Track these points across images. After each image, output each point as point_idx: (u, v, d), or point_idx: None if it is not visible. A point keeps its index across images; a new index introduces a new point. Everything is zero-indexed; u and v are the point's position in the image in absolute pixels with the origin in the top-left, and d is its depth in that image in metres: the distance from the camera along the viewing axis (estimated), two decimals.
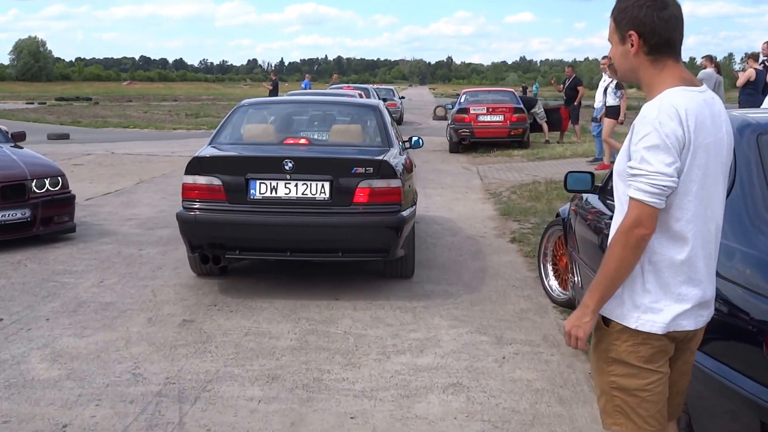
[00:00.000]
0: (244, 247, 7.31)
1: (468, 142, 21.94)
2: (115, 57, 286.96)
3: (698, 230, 2.86)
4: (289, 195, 7.15)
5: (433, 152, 21.91)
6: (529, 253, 9.20)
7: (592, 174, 6.17)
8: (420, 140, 10.35)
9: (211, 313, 6.87)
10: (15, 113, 42.88)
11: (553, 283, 7.41)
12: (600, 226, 5.61)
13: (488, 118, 21.77)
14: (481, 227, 11.00)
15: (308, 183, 7.14)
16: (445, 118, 31.17)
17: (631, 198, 2.78)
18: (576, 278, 6.44)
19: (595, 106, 17.78)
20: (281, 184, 7.14)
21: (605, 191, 5.95)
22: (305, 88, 31.26)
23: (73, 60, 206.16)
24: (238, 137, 8.50)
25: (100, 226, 10.77)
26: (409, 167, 8.25)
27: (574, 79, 22.14)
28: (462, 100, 23.37)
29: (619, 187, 2.94)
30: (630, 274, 2.84)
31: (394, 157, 7.72)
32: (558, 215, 7.37)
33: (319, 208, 7.14)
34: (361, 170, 7.14)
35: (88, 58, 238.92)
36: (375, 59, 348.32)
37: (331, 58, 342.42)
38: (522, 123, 21.85)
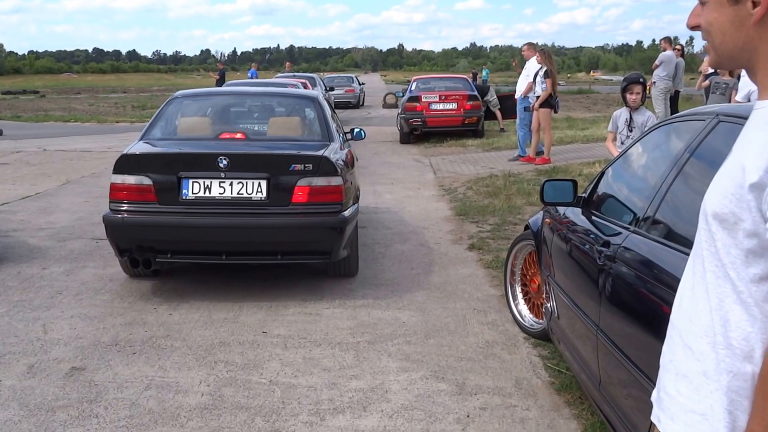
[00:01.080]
0: (176, 251, 6.75)
1: (420, 131, 20.54)
2: (68, 49, 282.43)
3: None
4: (223, 195, 6.57)
5: (383, 143, 20.58)
6: (491, 264, 7.93)
7: (574, 182, 4.88)
8: (362, 132, 9.74)
9: (109, 356, 5.49)
10: None
11: (523, 308, 6.13)
12: (585, 249, 4.34)
13: (441, 106, 20.37)
14: (435, 231, 9.70)
15: (244, 182, 6.57)
16: (395, 106, 29.85)
17: None
18: (551, 304, 5.17)
19: (518, 95, 16.18)
20: (215, 183, 6.57)
21: (590, 204, 4.68)
22: (251, 77, 29.99)
23: (26, 53, 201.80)
24: (172, 132, 7.83)
25: (8, 237, 9.30)
26: (350, 162, 7.73)
27: None
28: (413, 88, 21.87)
29: (720, 236, 1.67)
30: None
31: (334, 152, 7.11)
32: (527, 227, 6.07)
33: (255, 209, 6.56)
34: (299, 167, 6.57)
35: (41, 50, 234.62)
36: (327, 48, 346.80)
37: (283, 47, 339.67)
38: (476, 111, 20.48)
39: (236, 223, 6.53)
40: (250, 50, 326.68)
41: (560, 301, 4.83)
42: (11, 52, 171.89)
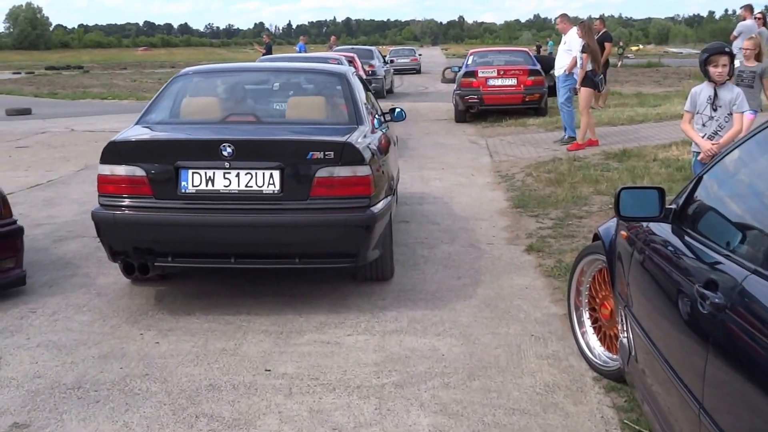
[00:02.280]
0: (176, 253, 5.98)
1: (476, 109, 19.29)
2: (119, 23, 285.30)
3: None
4: (229, 188, 5.81)
5: (436, 122, 19.48)
6: (552, 271, 6.83)
7: (660, 191, 3.75)
8: (402, 112, 8.92)
9: (65, 405, 4.46)
10: None
11: (591, 339, 5.00)
12: (679, 285, 3.22)
13: (499, 82, 19.03)
14: (488, 227, 8.60)
15: (253, 172, 5.80)
16: (454, 81, 28.68)
17: None
18: (627, 338, 4.06)
19: (557, 73, 14.68)
20: (219, 174, 5.80)
21: (683, 219, 3.56)
22: (300, 52, 28.94)
23: (76, 27, 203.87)
24: (174, 114, 7.05)
25: None
26: (384, 148, 6.99)
27: (604, 33, 19.39)
28: (469, 62, 20.56)
29: None
30: None
31: (362, 136, 6.33)
32: (597, 237, 4.94)
33: (267, 204, 5.81)
34: (318, 155, 5.79)
35: (91, 24, 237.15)
36: (385, 20, 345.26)
37: (339, 19, 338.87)
38: (539, 87, 19.08)
39: (245, 221, 5.77)
40: (306, 23, 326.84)
41: (641, 343, 3.72)
42: (59, 26, 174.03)
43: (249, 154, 5.81)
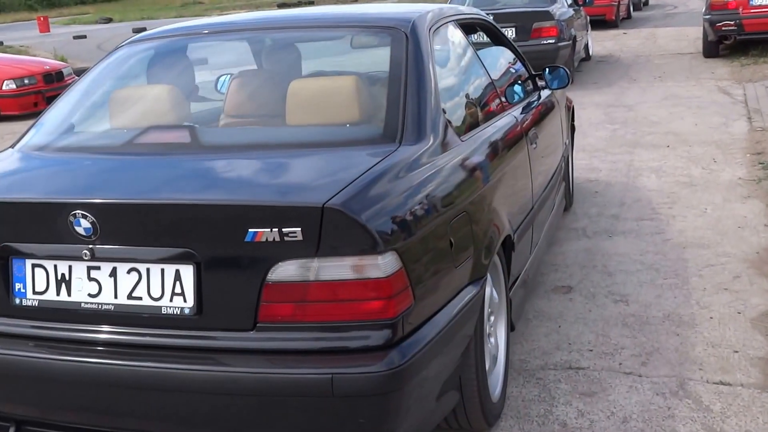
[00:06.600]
0: (7, 418, 2.91)
1: (734, 40, 14.49)
2: None
3: None
4: (97, 299, 2.70)
5: (677, 57, 14.87)
6: None
7: None
8: (566, 75, 5.05)
9: None
10: None
11: None
12: None
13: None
14: (729, 314, 4.23)
15: (141, 269, 2.67)
16: None
17: None
18: None
19: None
20: (79, 269, 2.74)
21: None
22: None
23: None
24: (77, 126, 3.75)
25: None
26: (488, 165, 3.54)
27: None
28: None
29: None
30: None
31: (397, 173, 2.82)
32: None
33: (171, 337, 2.65)
34: (268, 234, 2.42)
35: None
36: None
37: None
38: None
39: (125, 373, 2.66)
40: None
41: None
42: None
43: (125, 232, 2.73)
